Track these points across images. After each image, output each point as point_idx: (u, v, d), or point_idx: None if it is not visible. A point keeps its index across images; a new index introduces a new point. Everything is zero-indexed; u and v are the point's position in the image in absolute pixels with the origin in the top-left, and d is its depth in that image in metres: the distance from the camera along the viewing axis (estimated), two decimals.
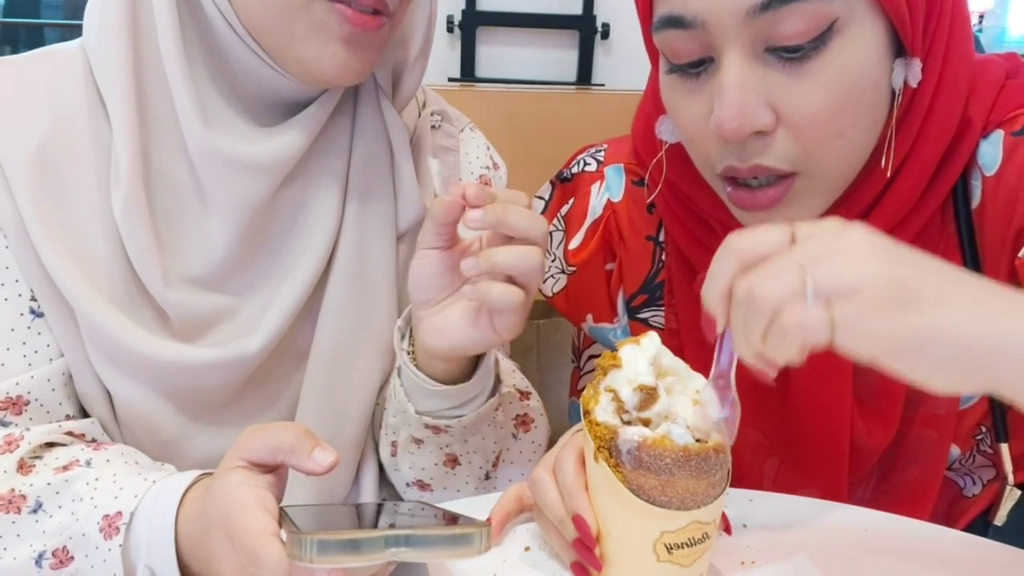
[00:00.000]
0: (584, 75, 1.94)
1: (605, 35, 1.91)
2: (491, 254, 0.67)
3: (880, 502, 0.83)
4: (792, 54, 0.65)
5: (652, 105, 0.82)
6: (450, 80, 1.88)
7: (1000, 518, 0.83)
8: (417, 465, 0.81)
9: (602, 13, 1.92)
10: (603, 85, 1.93)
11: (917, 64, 0.69)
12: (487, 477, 0.84)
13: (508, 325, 0.69)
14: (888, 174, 0.71)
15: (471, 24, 1.90)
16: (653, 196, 0.83)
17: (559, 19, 1.92)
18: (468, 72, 1.93)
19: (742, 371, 0.76)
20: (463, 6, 1.88)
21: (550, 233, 0.92)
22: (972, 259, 0.75)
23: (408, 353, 0.76)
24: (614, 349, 0.61)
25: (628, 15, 1.90)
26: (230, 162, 0.74)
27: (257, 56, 0.74)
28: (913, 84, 0.69)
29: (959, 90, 0.72)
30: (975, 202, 0.75)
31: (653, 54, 0.76)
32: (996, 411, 0.81)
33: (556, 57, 1.96)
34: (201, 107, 0.74)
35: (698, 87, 0.70)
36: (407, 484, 0.84)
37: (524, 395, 0.88)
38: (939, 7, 0.69)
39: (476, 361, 0.76)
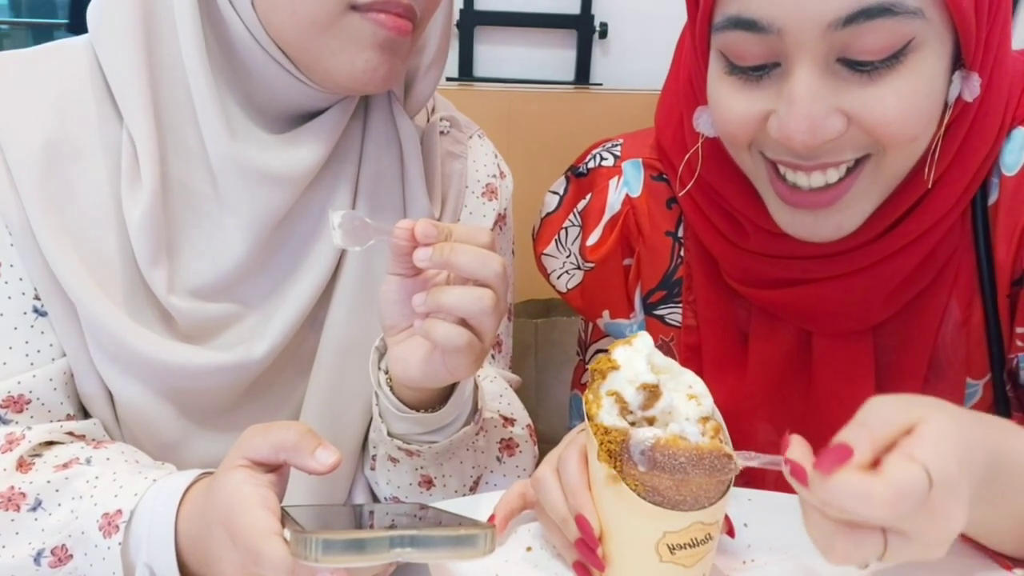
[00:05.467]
0: (582, 74, 1.94)
1: (603, 35, 1.91)
2: (438, 293, 0.65)
3: None
4: (863, 67, 0.63)
5: (684, 99, 0.80)
6: (448, 79, 1.88)
7: None
8: (393, 482, 0.81)
9: (600, 13, 1.92)
10: (601, 84, 1.93)
11: (976, 79, 0.67)
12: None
13: (458, 365, 0.67)
14: (930, 185, 0.70)
15: (469, 23, 1.90)
16: (687, 189, 0.81)
17: (557, 18, 1.93)
18: (466, 71, 1.93)
19: (761, 370, 0.75)
20: (461, 5, 1.88)
21: (565, 229, 0.91)
22: (987, 256, 0.75)
23: (386, 374, 0.74)
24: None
25: (626, 15, 1.93)
26: (255, 173, 0.74)
27: (279, 65, 0.73)
28: (969, 99, 0.68)
29: (1002, 99, 0.71)
30: (992, 199, 0.75)
31: (702, 50, 0.72)
32: (1000, 408, 0.80)
33: (554, 56, 1.96)
34: (225, 118, 0.73)
35: (757, 88, 0.67)
36: (384, 499, 0.84)
37: (508, 421, 0.87)
38: (992, 21, 0.67)
39: (453, 388, 0.74)
